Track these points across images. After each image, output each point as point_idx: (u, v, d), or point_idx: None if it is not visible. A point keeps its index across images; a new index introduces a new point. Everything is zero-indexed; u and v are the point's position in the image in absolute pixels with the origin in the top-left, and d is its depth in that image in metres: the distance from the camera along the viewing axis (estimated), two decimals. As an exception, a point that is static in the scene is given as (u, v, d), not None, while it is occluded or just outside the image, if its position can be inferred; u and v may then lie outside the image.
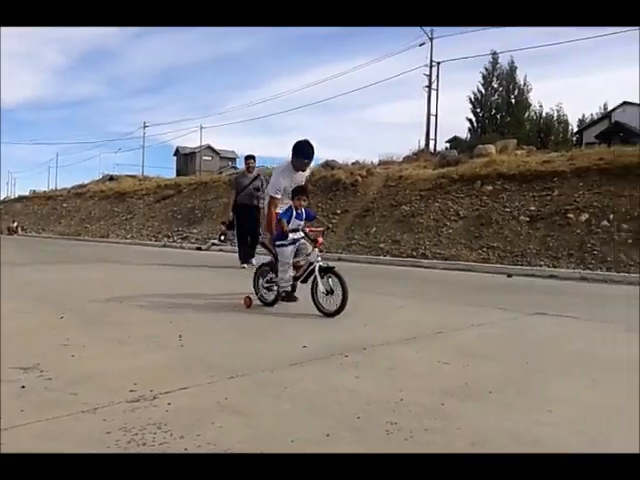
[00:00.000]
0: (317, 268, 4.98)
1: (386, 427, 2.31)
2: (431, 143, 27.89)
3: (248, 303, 5.30)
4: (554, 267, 9.69)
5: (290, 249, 5.16)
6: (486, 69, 37.36)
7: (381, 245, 12.99)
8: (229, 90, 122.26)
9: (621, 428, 2.39)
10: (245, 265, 9.55)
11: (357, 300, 5.14)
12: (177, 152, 61.32)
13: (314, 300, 4.99)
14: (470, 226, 12.33)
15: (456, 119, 66.57)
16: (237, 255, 9.96)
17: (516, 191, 12.66)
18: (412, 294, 6.78)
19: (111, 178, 36.24)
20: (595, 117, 38.34)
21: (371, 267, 10.71)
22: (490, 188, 13.22)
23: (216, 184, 21.35)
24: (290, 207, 5.23)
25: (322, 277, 4.94)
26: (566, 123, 39.46)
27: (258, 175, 9.94)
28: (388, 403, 2.61)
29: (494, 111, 36.91)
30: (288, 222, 5.12)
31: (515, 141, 19.43)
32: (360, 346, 3.76)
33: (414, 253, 12.07)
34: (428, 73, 28.25)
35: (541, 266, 9.85)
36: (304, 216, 5.26)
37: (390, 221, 13.88)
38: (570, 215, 10.95)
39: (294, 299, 5.18)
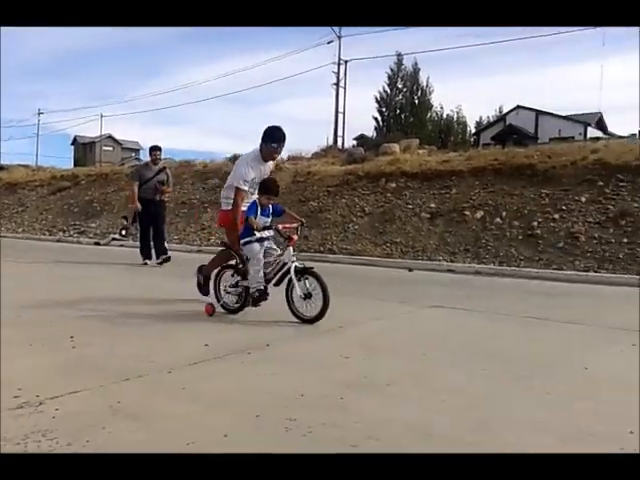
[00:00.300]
0: (293, 269, 4.50)
1: (285, 424, 2.31)
2: (339, 140, 28.37)
3: (210, 311, 4.74)
4: (452, 262, 10.16)
5: (258, 246, 4.71)
6: (391, 69, 38.59)
7: (289, 240, 13.02)
8: (132, 78, 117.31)
9: (508, 414, 2.54)
10: (147, 262, 9.22)
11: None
12: (75, 141, 58.11)
13: (290, 306, 4.57)
14: (375, 222, 12.64)
15: (364, 117, 68.11)
16: (139, 251, 9.58)
17: (418, 189, 13.13)
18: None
19: (1, 168, 33.58)
20: (491, 120, 40.69)
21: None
22: (394, 185, 13.62)
23: (117, 176, 20.40)
24: (255, 203, 4.75)
25: (299, 279, 4.48)
26: (465, 124, 41.63)
27: (164, 168, 9.55)
28: (289, 399, 2.62)
29: (399, 111, 38.19)
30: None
31: (417, 141, 20.17)
32: (264, 342, 3.74)
33: (321, 248, 12.20)
34: (336, 71, 28.66)
35: (440, 261, 10.29)
36: (270, 212, 4.78)
37: (298, 216, 13.94)
38: (467, 212, 11.51)
39: (265, 298, 4.72)
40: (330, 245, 12.22)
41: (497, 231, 10.72)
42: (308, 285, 4.45)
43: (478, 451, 2.09)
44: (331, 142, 26.78)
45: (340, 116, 28.89)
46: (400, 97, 38.35)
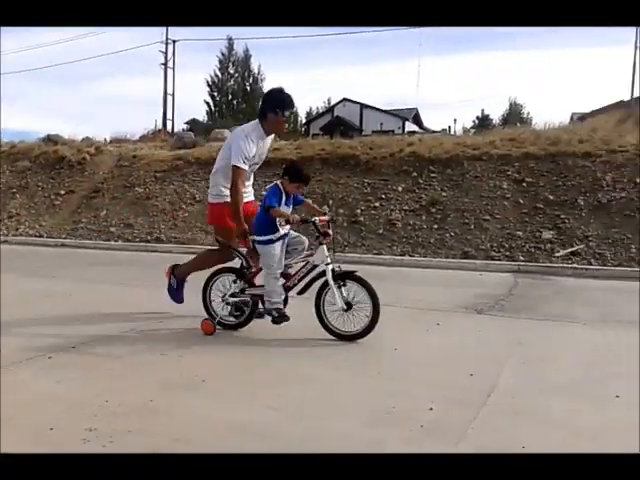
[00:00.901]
0: (330, 274, 3.67)
1: (84, 435, 2.10)
2: (169, 123, 27.24)
3: (210, 328, 3.80)
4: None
5: (279, 247, 3.76)
6: (222, 54, 37.94)
7: (112, 229, 12.18)
8: None
9: (321, 401, 2.59)
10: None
11: (73, 290, 4.68)
12: None
13: (322, 319, 3.74)
14: (206, 209, 12.38)
15: (196, 101, 66.27)
16: None
17: (249, 176, 13.11)
18: (143, 281, 6.47)
19: None
20: (320, 111, 42.15)
21: (101, 253, 9.98)
22: (225, 172, 13.44)
23: None
24: (277, 187, 3.80)
25: (338, 286, 3.67)
26: (296, 114, 42.54)
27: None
28: (91, 407, 2.39)
29: (231, 96, 37.80)
30: None
31: (250, 127, 20.10)
32: (69, 344, 3.40)
33: (149, 237, 11.62)
34: (164, 50, 27.39)
35: (271, 248, 10.40)
36: (292, 201, 3.89)
37: (122, 203, 13.11)
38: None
39: (287, 318, 3.74)
40: (158, 234, 11.69)
41: (324, 218, 11.11)
42: (345, 293, 3.67)
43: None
44: (160, 125, 25.62)
45: (169, 98, 27.74)
46: (232, 82, 37.97)
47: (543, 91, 67.75)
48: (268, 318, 3.76)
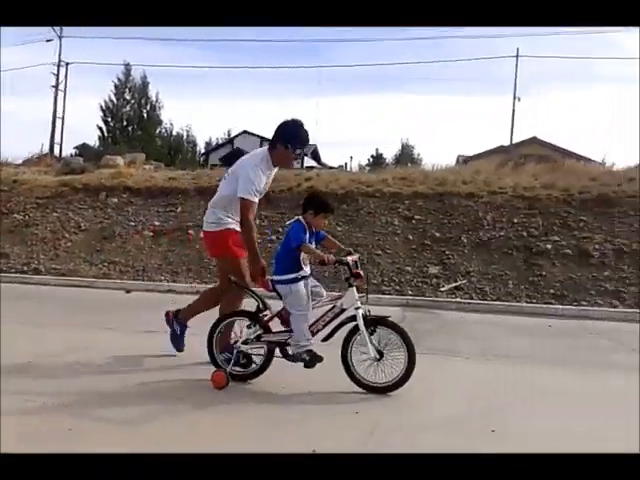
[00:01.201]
0: (361, 319, 3.37)
1: None
2: (56, 147, 25.85)
3: (222, 381, 3.37)
4: (174, 281, 9.95)
5: (304, 285, 3.47)
6: (119, 79, 36.86)
7: (-16, 259, 11.20)
8: None
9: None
10: None
11: None
12: None
13: (349, 369, 3.45)
14: (92, 239, 11.74)
15: (88, 126, 63.43)
16: None
17: (142, 205, 12.67)
18: (17, 316, 5.91)
19: None
20: (220, 141, 41.95)
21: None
22: (116, 200, 12.92)
23: None
24: (300, 224, 3.53)
25: (370, 333, 3.38)
26: (194, 144, 42.04)
27: None
28: None
29: (126, 123, 36.64)
30: None
31: (144, 155, 19.51)
32: None
33: (25, 268, 10.79)
34: (56, 72, 26.16)
35: (161, 281, 10.00)
36: (314, 237, 3.62)
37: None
38: (191, 231, 11.47)
39: (320, 359, 3.44)
40: (36, 264, 10.89)
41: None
42: (375, 340, 3.40)
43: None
44: (47, 149, 24.21)
45: (59, 121, 26.41)
46: (128, 109, 36.85)
47: (432, 134, 72.14)
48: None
